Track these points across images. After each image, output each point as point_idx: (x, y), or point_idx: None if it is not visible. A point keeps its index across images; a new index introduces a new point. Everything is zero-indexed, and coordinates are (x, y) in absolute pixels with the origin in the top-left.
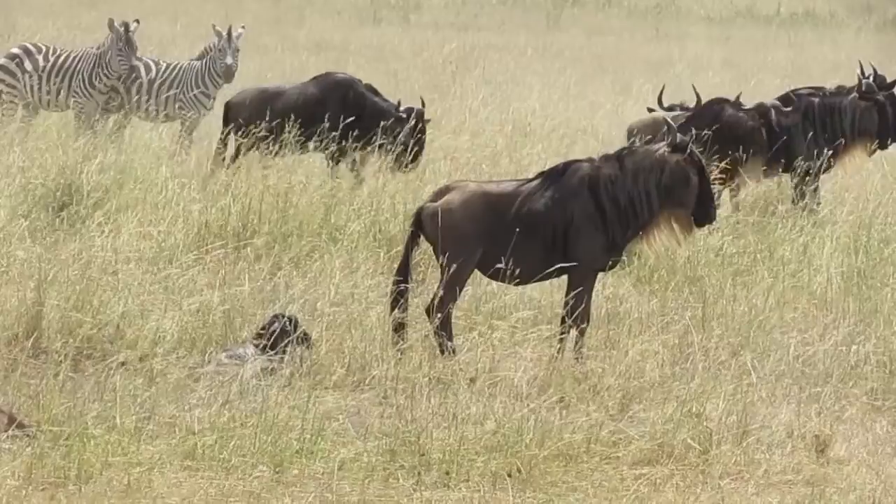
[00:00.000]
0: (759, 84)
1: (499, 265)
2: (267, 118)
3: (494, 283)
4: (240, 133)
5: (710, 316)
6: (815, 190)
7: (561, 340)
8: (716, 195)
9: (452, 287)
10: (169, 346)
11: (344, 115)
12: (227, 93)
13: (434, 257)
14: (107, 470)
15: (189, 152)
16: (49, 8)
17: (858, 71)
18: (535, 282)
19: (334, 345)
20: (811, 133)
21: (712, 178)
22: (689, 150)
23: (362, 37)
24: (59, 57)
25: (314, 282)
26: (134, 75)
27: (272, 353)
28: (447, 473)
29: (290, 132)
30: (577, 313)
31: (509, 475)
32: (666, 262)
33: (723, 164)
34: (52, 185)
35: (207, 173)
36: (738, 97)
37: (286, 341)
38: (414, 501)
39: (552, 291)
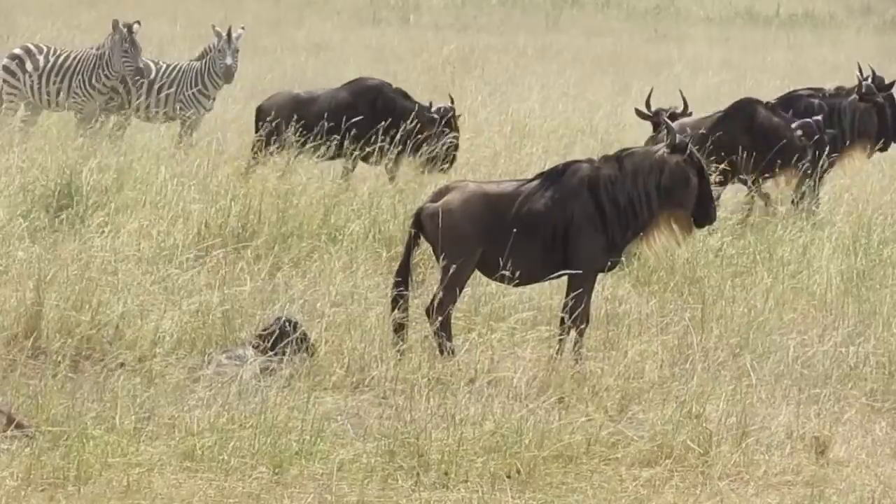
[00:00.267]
0: (758, 85)
1: (498, 266)
2: (299, 122)
3: (494, 284)
4: (272, 137)
5: (710, 317)
6: (815, 191)
7: (560, 341)
8: (715, 196)
9: (452, 288)
10: (168, 346)
11: (375, 119)
12: (227, 92)
13: (434, 258)
14: (106, 471)
15: (188, 152)
16: (48, 8)
17: (857, 72)
18: (534, 283)
19: (334, 346)
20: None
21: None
22: (688, 151)
23: (361, 38)
24: (59, 57)
25: (314, 282)
26: (138, 77)
27: (272, 353)
28: (446, 474)
29: (321, 136)
30: (576, 314)
31: (508, 476)
32: (665, 263)
33: (721, 166)
34: (51, 185)
35: (240, 170)
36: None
37: (285, 342)
38: (413, 502)
39: (551, 292)
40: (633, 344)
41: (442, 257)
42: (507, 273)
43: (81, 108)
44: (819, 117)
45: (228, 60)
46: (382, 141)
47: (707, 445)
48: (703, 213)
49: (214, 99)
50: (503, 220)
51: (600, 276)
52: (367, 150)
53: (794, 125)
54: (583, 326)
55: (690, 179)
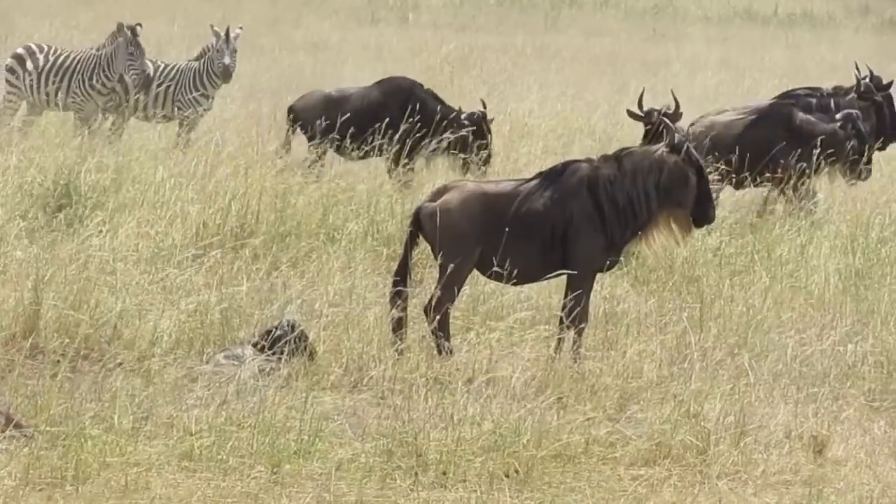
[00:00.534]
0: (756, 84)
1: (497, 265)
2: (330, 122)
3: (492, 284)
4: (307, 137)
5: (708, 316)
6: (813, 191)
7: (559, 341)
8: (715, 196)
9: (450, 287)
10: (166, 346)
11: (404, 119)
12: (225, 92)
13: (432, 257)
14: (104, 470)
15: (186, 152)
16: (46, 8)
17: (856, 71)
18: (533, 282)
19: (332, 345)
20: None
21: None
22: (686, 150)
23: (360, 37)
24: (59, 57)
25: (312, 282)
26: (143, 81)
27: (270, 353)
28: (444, 474)
29: (353, 136)
30: (575, 313)
31: (507, 475)
32: (664, 263)
33: (720, 167)
34: (49, 185)
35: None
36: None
37: (283, 341)
38: (411, 502)
39: (550, 292)
40: (632, 343)
41: (440, 257)
42: (506, 272)
43: (80, 108)
44: (857, 111)
45: (227, 60)
46: (413, 139)
47: (705, 445)
48: (702, 213)
49: (213, 99)
50: (502, 219)
51: (599, 275)
52: (396, 147)
53: (837, 116)
54: (581, 326)
55: (689, 179)
